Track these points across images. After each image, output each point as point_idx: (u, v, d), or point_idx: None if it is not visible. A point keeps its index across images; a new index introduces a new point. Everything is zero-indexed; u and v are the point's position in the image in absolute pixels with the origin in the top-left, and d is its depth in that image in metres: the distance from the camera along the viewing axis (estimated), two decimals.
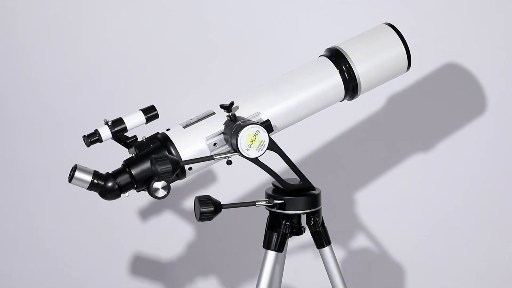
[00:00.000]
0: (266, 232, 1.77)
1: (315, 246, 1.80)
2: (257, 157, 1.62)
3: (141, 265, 2.73)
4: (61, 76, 2.63)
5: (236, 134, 1.59)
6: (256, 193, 2.60)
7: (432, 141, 2.64)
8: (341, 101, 1.81)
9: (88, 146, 1.64)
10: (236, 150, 1.61)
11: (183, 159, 1.64)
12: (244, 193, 2.64)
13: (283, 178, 1.73)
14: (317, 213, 1.76)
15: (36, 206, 2.69)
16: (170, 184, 1.60)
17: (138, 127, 1.67)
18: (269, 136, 1.61)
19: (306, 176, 1.75)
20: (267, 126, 1.65)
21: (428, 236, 2.70)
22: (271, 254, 1.76)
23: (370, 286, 2.72)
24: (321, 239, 1.78)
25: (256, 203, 1.71)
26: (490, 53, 2.56)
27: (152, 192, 1.58)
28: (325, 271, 1.82)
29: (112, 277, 2.74)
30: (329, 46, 1.81)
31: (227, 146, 1.67)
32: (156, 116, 1.68)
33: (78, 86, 2.63)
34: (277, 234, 1.75)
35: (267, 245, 1.76)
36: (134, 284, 2.73)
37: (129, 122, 1.65)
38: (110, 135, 1.64)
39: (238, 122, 1.61)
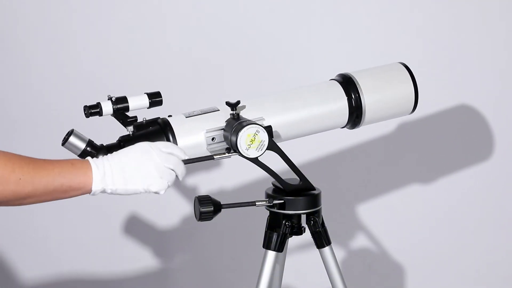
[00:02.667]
0: (266, 232, 1.77)
1: (315, 246, 1.80)
2: (256, 157, 1.63)
3: (140, 268, 2.74)
4: (61, 76, 2.63)
5: (236, 132, 1.59)
6: (256, 193, 2.59)
7: (434, 143, 2.64)
8: (342, 127, 1.84)
9: (87, 117, 1.63)
10: (234, 149, 1.61)
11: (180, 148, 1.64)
12: (244, 193, 2.64)
13: (283, 178, 1.74)
14: (317, 213, 1.76)
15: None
16: None
17: (139, 110, 1.66)
18: (269, 136, 1.62)
19: (306, 176, 1.75)
20: (269, 131, 1.66)
21: (428, 236, 2.70)
22: (271, 254, 1.76)
23: (370, 286, 2.72)
24: (321, 239, 1.78)
25: (256, 203, 1.71)
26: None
27: None
28: (325, 271, 1.82)
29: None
30: (342, 72, 1.85)
31: (225, 143, 1.68)
32: (160, 102, 1.68)
33: (79, 86, 2.63)
34: (277, 234, 1.75)
35: (267, 245, 1.76)
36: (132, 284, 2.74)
37: (132, 103, 1.65)
38: (111, 110, 1.63)
39: (239, 121, 1.63)
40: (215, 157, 1.63)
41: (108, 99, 1.64)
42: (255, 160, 1.64)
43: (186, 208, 2.67)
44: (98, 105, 1.63)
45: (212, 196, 1.67)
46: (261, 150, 1.62)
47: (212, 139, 1.67)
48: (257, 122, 1.63)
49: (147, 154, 1.51)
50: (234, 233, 2.71)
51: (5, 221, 2.71)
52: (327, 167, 2.65)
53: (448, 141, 2.65)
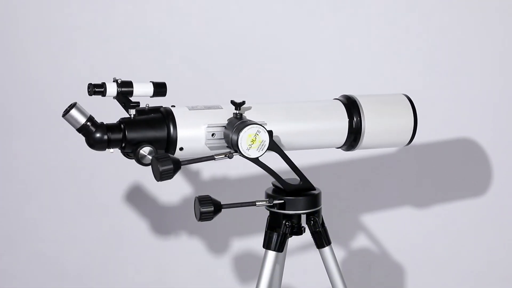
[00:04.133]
0: (266, 232, 1.78)
1: (315, 246, 1.80)
2: (257, 157, 1.63)
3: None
4: (61, 75, 2.62)
5: (238, 131, 1.60)
6: (256, 193, 2.59)
7: (434, 144, 2.64)
8: (338, 148, 1.86)
9: (90, 95, 1.63)
10: (235, 148, 1.61)
11: (179, 138, 1.65)
12: (244, 193, 2.64)
13: (283, 178, 1.74)
14: (317, 213, 1.77)
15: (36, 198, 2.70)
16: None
17: (142, 98, 1.66)
18: (270, 137, 1.62)
19: (306, 176, 1.75)
20: (270, 132, 1.66)
21: (428, 236, 2.70)
22: (271, 254, 1.76)
23: (370, 286, 2.72)
24: (321, 239, 1.79)
25: (256, 203, 1.71)
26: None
27: (138, 158, 1.58)
28: (325, 271, 1.82)
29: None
30: (347, 93, 1.87)
31: (224, 141, 1.68)
32: (164, 93, 1.68)
33: (79, 86, 2.62)
34: (277, 234, 1.75)
35: (267, 245, 1.77)
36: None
37: (137, 88, 1.65)
38: (115, 92, 1.63)
39: (242, 121, 1.64)
40: (216, 157, 1.63)
41: (114, 81, 1.63)
42: (256, 160, 1.64)
43: (187, 208, 2.67)
44: (103, 85, 1.63)
45: (213, 197, 1.67)
46: (262, 150, 1.62)
47: (212, 134, 1.68)
48: (259, 123, 1.64)
49: None
50: (234, 233, 2.71)
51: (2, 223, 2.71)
52: (327, 167, 2.65)
53: (449, 143, 2.65)
